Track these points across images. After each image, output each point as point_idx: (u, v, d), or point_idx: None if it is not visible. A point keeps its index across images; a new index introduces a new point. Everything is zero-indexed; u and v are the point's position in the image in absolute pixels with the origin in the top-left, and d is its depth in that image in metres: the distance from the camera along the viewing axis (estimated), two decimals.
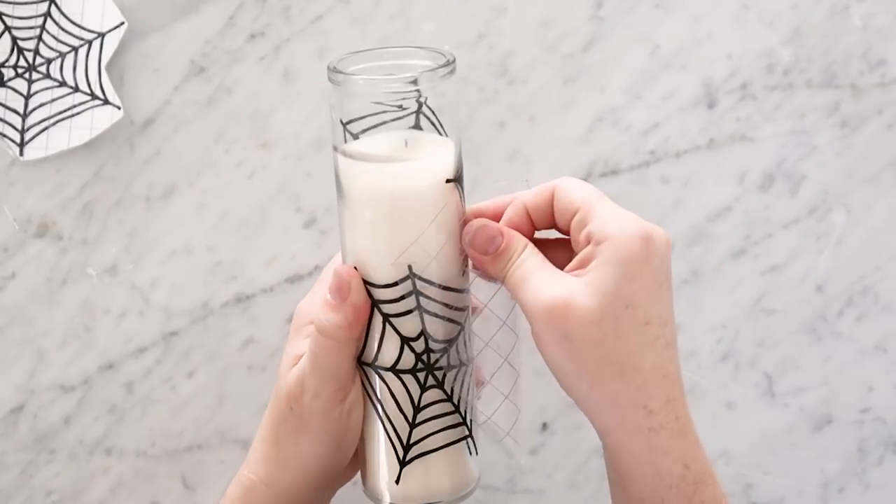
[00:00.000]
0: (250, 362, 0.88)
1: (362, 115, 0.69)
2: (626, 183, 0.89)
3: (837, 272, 0.90)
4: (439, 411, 0.71)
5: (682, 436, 0.67)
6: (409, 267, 0.69)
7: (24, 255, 0.87)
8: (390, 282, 0.69)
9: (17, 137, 0.86)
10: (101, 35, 0.86)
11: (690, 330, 0.90)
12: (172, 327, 0.88)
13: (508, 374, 0.73)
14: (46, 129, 0.86)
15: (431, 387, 0.70)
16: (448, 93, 0.69)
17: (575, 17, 0.88)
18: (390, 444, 0.71)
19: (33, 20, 0.86)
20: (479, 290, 0.72)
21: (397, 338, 0.70)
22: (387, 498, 0.72)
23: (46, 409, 0.88)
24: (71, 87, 0.86)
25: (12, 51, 0.86)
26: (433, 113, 0.69)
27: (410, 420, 0.71)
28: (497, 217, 0.71)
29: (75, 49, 0.86)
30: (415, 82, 0.68)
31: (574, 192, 0.69)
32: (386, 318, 0.70)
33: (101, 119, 0.86)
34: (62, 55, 0.86)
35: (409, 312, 0.69)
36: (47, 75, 0.86)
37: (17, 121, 0.86)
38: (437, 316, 0.70)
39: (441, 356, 0.70)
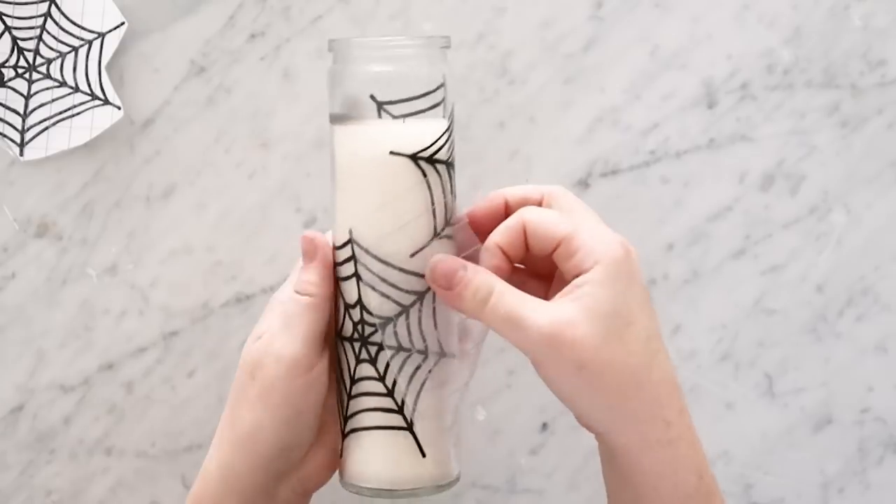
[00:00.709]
0: None
1: (404, 95, 0.69)
2: (626, 183, 0.89)
3: (837, 272, 0.90)
4: (370, 389, 0.71)
5: (695, 445, 0.68)
6: (350, 231, 0.70)
7: (24, 255, 0.87)
8: (338, 244, 0.71)
9: (17, 137, 0.86)
10: (102, 35, 0.86)
11: (690, 330, 0.90)
12: (172, 327, 0.88)
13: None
14: (46, 129, 0.86)
15: (364, 360, 0.71)
16: (453, 72, 0.71)
17: (575, 17, 0.88)
18: (340, 413, 0.73)
19: (33, 20, 0.86)
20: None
21: (342, 302, 0.71)
22: (338, 471, 0.74)
23: (46, 409, 0.88)
24: (71, 88, 0.86)
25: (12, 51, 0.86)
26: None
27: (348, 390, 0.72)
28: (491, 220, 0.71)
29: (75, 49, 0.86)
30: (446, 45, 0.70)
31: (550, 226, 0.68)
32: (336, 280, 0.71)
33: (101, 119, 0.86)
34: (62, 55, 0.86)
35: (348, 278, 0.71)
36: (47, 75, 0.86)
37: (17, 121, 0.86)
38: (373, 288, 0.70)
39: (375, 331, 0.70)
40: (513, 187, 0.72)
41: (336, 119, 0.71)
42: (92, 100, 0.86)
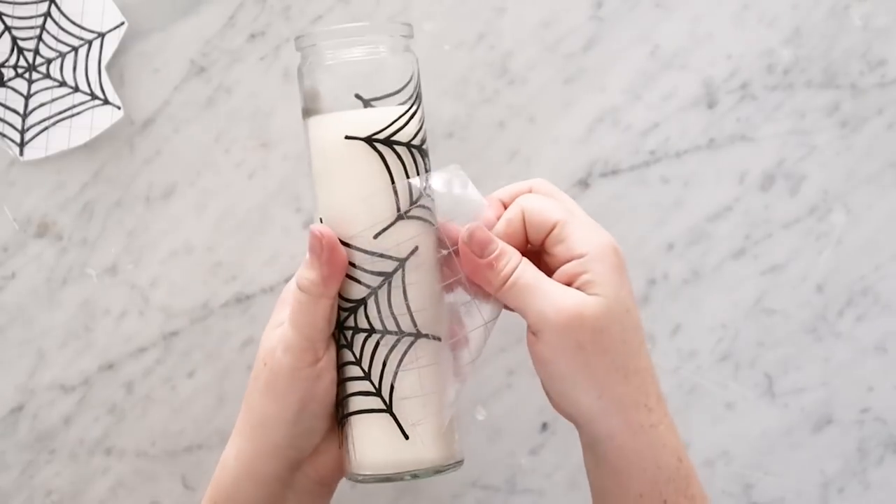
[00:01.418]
0: (250, 362, 0.88)
1: (365, 85, 0.71)
2: (626, 183, 0.89)
3: (837, 272, 0.90)
4: (351, 374, 0.72)
5: (673, 430, 0.71)
6: (321, 220, 0.72)
7: (24, 255, 0.87)
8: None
9: (17, 137, 0.86)
10: (101, 35, 0.86)
11: (690, 330, 0.90)
12: (172, 327, 0.88)
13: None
14: (46, 129, 0.86)
15: (343, 346, 0.72)
16: (417, 59, 0.72)
17: (575, 17, 0.88)
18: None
19: (33, 20, 0.86)
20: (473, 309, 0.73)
21: None
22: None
23: (46, 409, 0.88)
24: (71, 87, 0.86)
25: (12, 51, 0.86)
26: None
27: (337, 379, 0.73)
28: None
29: (75, 49, 0.86)
30: (406, 33, 0.72)
31: (545, 213, 0.71)
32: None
33: (101, 119, 0.86)
34: (62, 55, 0.86)
35: None
36: (47, 75, 0.86)
37: (17, 121, 0.86)
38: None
39: (348, 315, 0.71)
40: (502, 188, 0.74)
41: (303, 113, 0.73)
42: (92, 100, 0.86)
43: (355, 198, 0.71)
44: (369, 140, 0.70)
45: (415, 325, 0.71)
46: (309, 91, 0.72)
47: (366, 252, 0.71)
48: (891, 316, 0.90)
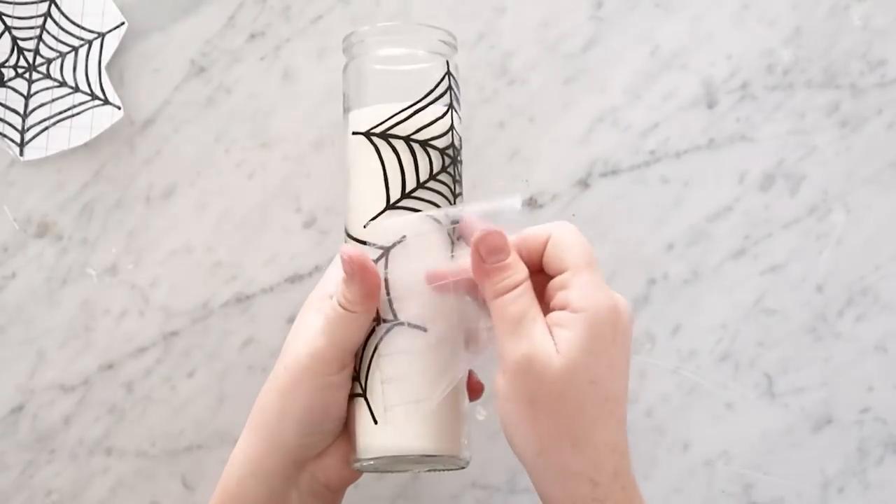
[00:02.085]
0: (250, 362, 0.88)
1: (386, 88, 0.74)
2: (626, 183, 0.89)
3: (837, 272, 0.90)
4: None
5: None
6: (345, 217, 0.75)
7: (24, 255, 0.87)
8: None
9: (17, 137, 0.86)
10: (101, 35, 0.86)
11: (690, 330, 0.89)
12: (172, 327, 0.88)
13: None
14: (46, 129, 0.86)
15: None
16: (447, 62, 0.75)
17: (575, 17, 0.88)
18: None
19: (33, 20, 0.86)
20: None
21: None
22: None
23: (46, 409, 0.88)
24: (71, 87, 0.86)
25: (12, 51, 0.86)
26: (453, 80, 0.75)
27: None
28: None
29: (75, 49, 0.86)
30: (450, 43, 0.75)
31: (568, 251, 0.69)
32: None
33: (101, 119, 0.86)
34: (62, 55, 0.86)
35: None
36: (47, 75, 0.86)
37: (17, 121, 0.86)
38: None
39: None
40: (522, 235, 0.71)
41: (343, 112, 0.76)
42: (92, 100, 0.86)
43: (353, 189, 0.73)
44: (367, 134, 0.73)
45: (393, 312, 0.72)
46: (344, 92, 0.75)
47: (356, 240, 0.72)
48: (891, 316, 0.90)
